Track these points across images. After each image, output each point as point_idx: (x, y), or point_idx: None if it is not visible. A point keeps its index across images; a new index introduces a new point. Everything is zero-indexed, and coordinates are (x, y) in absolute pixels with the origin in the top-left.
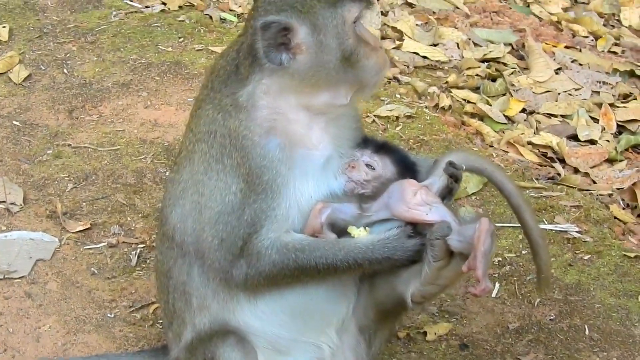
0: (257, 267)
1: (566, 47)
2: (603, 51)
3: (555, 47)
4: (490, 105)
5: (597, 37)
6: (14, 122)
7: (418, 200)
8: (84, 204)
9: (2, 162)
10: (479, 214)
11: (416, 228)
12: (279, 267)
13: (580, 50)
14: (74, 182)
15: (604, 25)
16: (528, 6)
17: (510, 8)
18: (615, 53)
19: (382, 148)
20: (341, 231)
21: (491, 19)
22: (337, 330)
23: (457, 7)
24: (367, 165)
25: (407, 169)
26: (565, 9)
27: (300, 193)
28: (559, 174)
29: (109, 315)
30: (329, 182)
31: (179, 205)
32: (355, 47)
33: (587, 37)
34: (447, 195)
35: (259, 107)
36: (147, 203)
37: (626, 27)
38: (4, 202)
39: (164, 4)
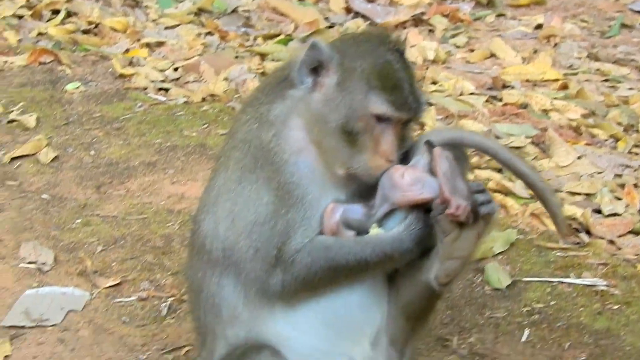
0: (292, 273)
1: (587, 144)
2: (623, 152)
3: (576, 144)
4: (514, 182)
5: (617, 139)
6: (43, 196)
7: (408, 181)
8: (114, 263)
9: (32, 229)
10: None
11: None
12: (312, 269)
13: (601, 148)
14: (103, 246)
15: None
16: (547, 113)
17: (529, 113)
18: (636, 154)
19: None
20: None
21: (511, 121)
22: (371, 343)
23: (477, 110)
24: None
25: None
26: (584, 116)
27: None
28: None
29: (141, 356)
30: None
31: (212, 212)
32: (358, 133)
33: (607, 139)
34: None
35: (291, 126)
36: (176, 263)
37: None
38: (35, 262)
39: (187, 97)
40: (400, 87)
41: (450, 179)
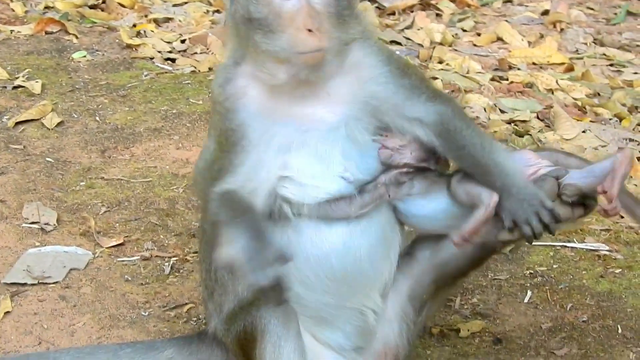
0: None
1: (591, 121)
2: (627, 129)
3: (580, 121)
4: None
5: (621, 119)
6: (47, 159)
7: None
8: (117, 224)
9: (36, 190)
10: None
11: None
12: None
13: (605, 125)
14: (107, 207)
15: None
16: (552, 92)
17: (534, 91)
18: None
19: None
20: None
21: (516, 97)
22: (382, 295)
23: (482, 85)
24: None
25: None
26: (589, 96)
27: (274, 160)
28: None
29: (143, 313)
30: (344, 148)
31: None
32: (263, 15)
33: (611, 118)
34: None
35: (235, 74)
36: (180, 224)
37: None
38: (37, 222)
39: (194, 67)
40: None
41: (622, 180)
